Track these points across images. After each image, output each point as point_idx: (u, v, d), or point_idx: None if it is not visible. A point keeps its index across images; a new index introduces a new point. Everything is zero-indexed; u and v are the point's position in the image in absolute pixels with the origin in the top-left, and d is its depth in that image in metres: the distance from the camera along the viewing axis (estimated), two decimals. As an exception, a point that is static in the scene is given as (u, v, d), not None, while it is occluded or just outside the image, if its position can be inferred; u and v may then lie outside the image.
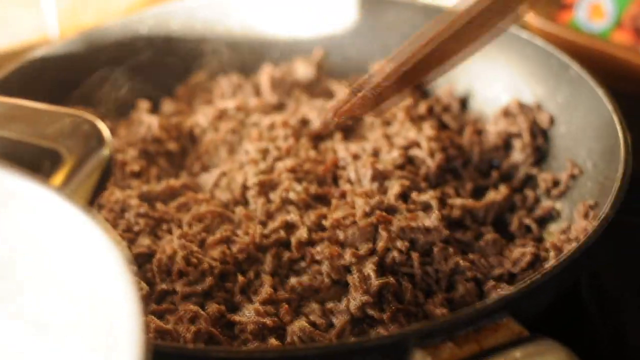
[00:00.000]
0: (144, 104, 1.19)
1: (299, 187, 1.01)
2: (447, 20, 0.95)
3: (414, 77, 0.99)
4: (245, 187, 1.03)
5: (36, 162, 0.72)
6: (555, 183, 1.04)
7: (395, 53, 0.96)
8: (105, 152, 0.74)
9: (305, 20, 1.28)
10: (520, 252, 0.95)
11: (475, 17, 0.95)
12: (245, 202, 1.02)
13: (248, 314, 0.87)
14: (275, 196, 1.00)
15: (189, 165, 1.12)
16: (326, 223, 0.96)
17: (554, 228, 1.01)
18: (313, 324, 0.87)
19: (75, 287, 0.63)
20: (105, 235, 0.63)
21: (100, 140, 0.74)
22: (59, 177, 0.71)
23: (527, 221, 1.02)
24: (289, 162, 1.05)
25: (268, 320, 0.86)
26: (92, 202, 0.74)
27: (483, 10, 0.95)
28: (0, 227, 0.66)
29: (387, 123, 1.14)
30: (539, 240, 1.00)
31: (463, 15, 0.95)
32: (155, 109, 1.21)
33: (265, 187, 1.02)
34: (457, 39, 0.96)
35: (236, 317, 0.87)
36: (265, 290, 0.90)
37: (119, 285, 0.60)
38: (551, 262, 0.92)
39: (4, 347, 0.64)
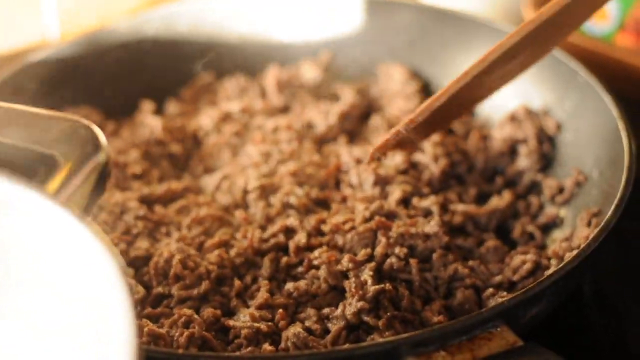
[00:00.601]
0: (148, 106, 1.18)
1: (300, 192, 1.00)
2: (482, 55, 0.95)
3: (448, 112, 0.99)
4: (246, 191, 1.02)
5: (32, 167, 0.72)
6: (560, 190, 1.04)
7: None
8: (102, 157, 0.74)
9: (312, 22, 1.27)
10: (521, 259, 0.94)
11: (509, 49, 0.94)
12: (246, 206, 1.02)
13: (243, 319, 0.87)
14: (275, 200, 1.00)
15: (191, 168, 1.12)
16: (325, 228, 0.96)
17: (557, 235, 1.00)
18: (308, 330, 0.86)
19: (69, 292, 0.63)
20: (100, 242, 0.62)
21: (96, 145, 0.74)
22: (54, 183, 0.71)
23: (530, 228, 1.01)
24: (291, 166, 1.04)
25: (263, 325, 0.85)
26: (90, 206, 0.74)
27: (517, 44, 0.94)
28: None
29: (391, 127, 1.13)
30: (542, 247, 0.99)
31: (496, 49, 0.94)
32: (160, 111, 1.21)
33: (266, 191, 1.01)
34: (492, 73, 0.96)
35: (231, 322, 0.87)
36: (262, 295, 0.89)
37: (113, 290, 0.60)
38: (552, 270, 0.91)
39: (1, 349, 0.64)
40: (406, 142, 0.99)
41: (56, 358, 0.62)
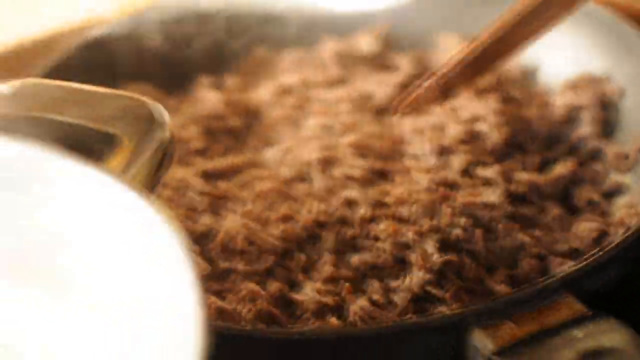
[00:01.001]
0: (205, 80, 1.19)
1: (361, 163, 1.00)
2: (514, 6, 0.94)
3: (481, 65, 0.98)
4: (307, 164, 1.02)
5: (94, 146, 0.73)
6: (624, 157, 1.02)
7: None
8: (165, 135, 0.75)
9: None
10: (587, 227, 0.93)
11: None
12: (308, 179, 1.02)
13: (309, 293, 0.87)
14: (337, 172, 1.00)
15: (252, 142, 1.12)
16: (388, 200, 0.96)
17: (621, 202, 0.99)
18: (374, 302, 0.86)
19: (135, 272, 0.64)
20: (165, 219, 0.63)
21: (158, 123, 0.75)
22: (117, 162, 0.72)
23: (595, 196, 0.99)
24: (351, 138, 1.04)
25: (329, 299, 0.86)
26: (155, 184, 0.75)
27: None
28: (58, 213, 0.67)
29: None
30: (607, 215, 0.98)
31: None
32: (218, 85, 1.21)
33: (327, 164, 1.01)
34: (525, 25, 0.95)
35: (297, 296, 0.87)
36: (327, 268, 0.89)
37: (179, 268, 0.60)
38: (617, 238, 0.90)
39: (68, 334, 0.65)
40: (435, 96, 0.99)
41: (124, 337, 0.63)
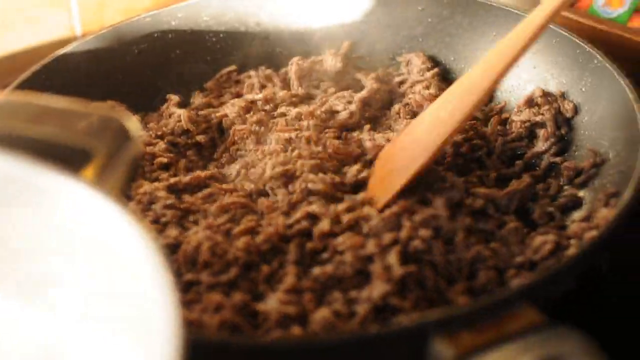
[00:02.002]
0: (173, 97, 1.21)
1: (318, 177, 1.02)
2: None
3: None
4: (269, 178, 1.04)
5: (65, 160, 0.74)
6: (578, 172, 1.06)
7: None
8: (134, 148, 0.76)
9: (334, 13, 1.29)
10: (542, 240, 0.95)
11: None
12: (267, 193, 1.04)
13: (272, 304, 0.89)
14: (295, 187, 1.02)
15: (217, 157, 1.14)
16: (349, 215, 0.98)
17: (576, 216, 1.01)
18: (336, 313, 0.88)
19: (110, 278, 0.65)
20: (138, 226, 0.65)
21: (129, 136, 0.76)
22: (88, 174, 0.73)
23: (550, 209, 1.02)
24: (310, 152, 1.07)
25: (291, 309, 0.88)
26: (120, 196, 0.76)
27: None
28: (34, 222, 0.68)
29: (413, 114, 1.15)
30: (562, 228, 1.00)
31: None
32: (185, 102, 1.23)
33: (286, 178, 1.04)
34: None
35: (260, 306, 0.89)
36: (289, 279, 0.91)
37: (153, 273, 0.62)
38: (572, 250, 0.93)
39: (43, 339, 0.66)
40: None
41: (100, 344, 0.64)
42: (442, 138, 0.97)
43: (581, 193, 1.04)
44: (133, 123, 0.77)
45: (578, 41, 1.11)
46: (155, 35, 1.24)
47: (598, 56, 1.08)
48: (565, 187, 1.06)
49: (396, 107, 1.17)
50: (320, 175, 1.03)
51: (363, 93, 1.18)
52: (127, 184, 0.76)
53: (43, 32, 1.29)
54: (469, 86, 0.98)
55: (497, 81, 0.96)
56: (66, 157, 0.74)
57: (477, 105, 0.96)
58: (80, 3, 1.29)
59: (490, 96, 1.18)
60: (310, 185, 1.02)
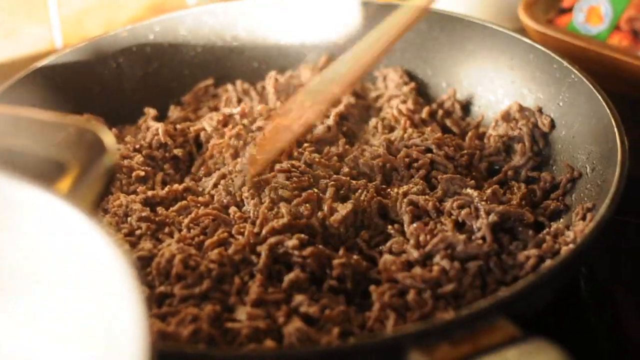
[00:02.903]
0: (151, 111, 1.20)
1: (287, 183, 1.02)
2: None
3: None
4: (242, 189, 1.04)
5: (41, 172, 0.73)
6: (555, 186, 1.06)
7: None
8: (109, 160, 0.75)
9: (311, 27, 1.29)
10: (525, 255, 0.95)
11: None
12: (242, 204, 1.04)
13: (242, 318, 0.88)
14: (265, 196, 1.02)
15: (194, 171, 1.13)
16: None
17: (552, 230, 1.01)
18: (306, 316, 0.88)
19: (81, 290, 0.65)
20: (110, 240, 0.64)
21: (104, 149, 0.76)
22: (63, 186, 0.73)
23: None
24: (285, 164, 1.06)
25: (261, 323, 0.87)
26: (95, 208, 0.76)
27: None
28: (8, 234, 0.68)
29: (390, 128, 1.15)
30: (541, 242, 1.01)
31: None
32: (162, 116, 1.23)
33: (259, 188, 1.03)
34: None
35: (229, 324, 0.88)
36: (254, 290, 0.91)
37: (123, 287, 0.62)
38: (548, 263, 0.93)
39: (13, 349, 0.65)
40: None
41: (69, 357, 0.63)
42: (303, 125, 1.06)
43: (557, 208, 1.04)
44: (108, 136, 0.77)
45: (555, 56, 1.12)
46: (133, 49, 1.24)
47: (575, 71, 1.09)
48: (542, 202, 1.06)
49: (373, 121, 1.17)
50: (289, 184, 1.03)
51: (340, 107, 1.17)
52: (102, 196, 0.76)
53: (22, 45, 1.28)
54: (331, 78, 1.04)
55: (360, 77, 1.02)
56: (41, 169, 0.74)
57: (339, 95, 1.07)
58: (61, 15, 1.28)
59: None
60: (280, 192, 1.02)
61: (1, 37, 1.26)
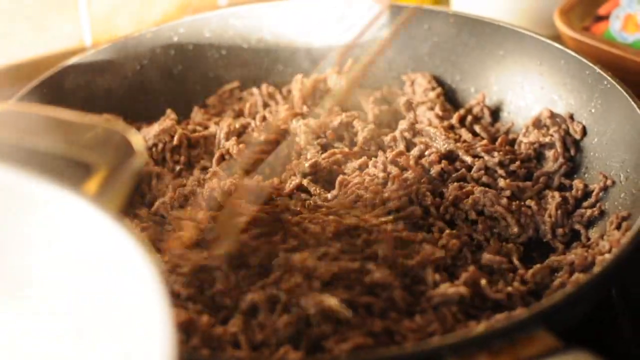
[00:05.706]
0: (171, 114, 1.19)
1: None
2: None
3: None
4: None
5: (68, 173, 0.73)
6: (588, 194, 1.04)
7: None
8: (137, 163, 0.74)
9: (337, 30, 1.27)
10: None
11: None
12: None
13: None
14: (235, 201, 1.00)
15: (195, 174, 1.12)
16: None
17: (587, 239, 1.00)
18: None
19: (106, 292, 0.64)
20: (138, 243, 0.63)
21: (132, 151, 0.75)
22: (90, 188, 0.72)
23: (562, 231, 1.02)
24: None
25: None
26: (122, 211, 0.75)
27: None
28: (34, 235, 0.67)
29: (418, 133, 1.13)
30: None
31: None
32: (186, 118, 1.22)
33: (228, 195, 1.02)
34: None
35: None
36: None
37: (151, 291, 0.61)
38: (587, 274, 0.91)
39: (42, 352, 0.64)
40: None
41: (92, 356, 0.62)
42: None
43: (591, 216, 1.02)
44: (136, 138, 0.76)
45: (587, 62, 1.10)
46: (157, 50, 1.23)
47: (608, 77, 1.07)
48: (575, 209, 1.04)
49: (400, 126, 1.15)
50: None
51: (370, 127, 1.14)
52: (128, 198, 0.75)
53: (51, 41, 1.27)
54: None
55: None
56: (68, 169, 0.73)
57: None
58: (91, 12, 1.27)
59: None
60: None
61: (30, 31, 1.25)
